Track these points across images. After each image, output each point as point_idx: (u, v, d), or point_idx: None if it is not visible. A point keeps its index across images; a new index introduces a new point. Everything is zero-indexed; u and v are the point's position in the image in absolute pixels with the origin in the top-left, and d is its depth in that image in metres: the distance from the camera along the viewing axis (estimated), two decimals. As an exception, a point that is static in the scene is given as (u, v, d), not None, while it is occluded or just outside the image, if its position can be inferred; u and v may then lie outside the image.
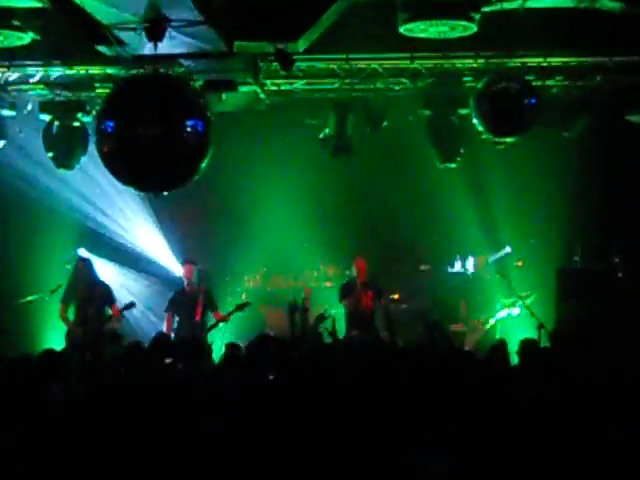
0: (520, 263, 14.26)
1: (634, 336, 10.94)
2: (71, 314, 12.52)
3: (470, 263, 13.91)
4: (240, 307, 12.54)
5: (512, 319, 12.93)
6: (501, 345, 8.68)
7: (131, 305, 12.34)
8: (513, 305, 12.79)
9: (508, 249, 14.33)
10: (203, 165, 8.62)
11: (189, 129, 8.26)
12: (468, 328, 12.91)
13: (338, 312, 13.79)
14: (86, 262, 12.86)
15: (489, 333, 12.77)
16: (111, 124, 8.24)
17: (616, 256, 12.96)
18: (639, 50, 11.10)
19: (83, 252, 14.35)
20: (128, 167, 8.35)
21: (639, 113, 11.61)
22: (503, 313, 12.90)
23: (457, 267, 14.30)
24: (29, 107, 12.75)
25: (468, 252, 13.91)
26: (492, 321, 12.89)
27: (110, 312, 12.43)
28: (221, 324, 12.40)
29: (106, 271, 14.22)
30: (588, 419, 5.89)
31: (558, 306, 12.21)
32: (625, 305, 11.80)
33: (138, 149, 8.09)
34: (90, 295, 12.48)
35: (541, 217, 13.70)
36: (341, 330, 11.94)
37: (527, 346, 8.51)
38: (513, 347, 8.50)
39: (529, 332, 10.50)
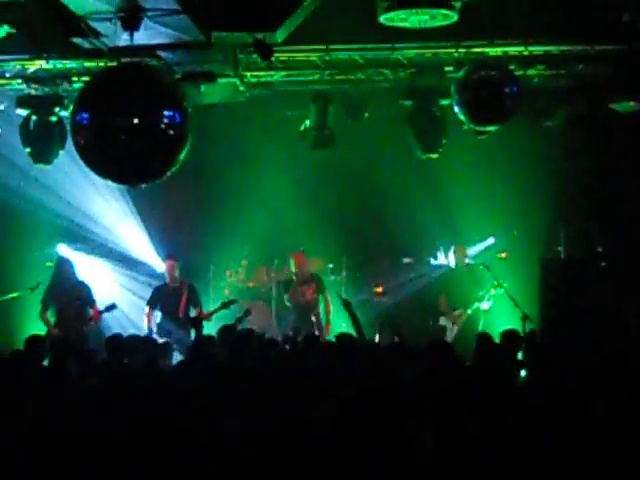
0: (504, 255, 14.19)
1: (615, 324, 10.93)
2: (51, 315, 12.43)
3: (452, 255, 13.82)
4: (226, 305, 12.44)
5: (495, 313, 12.85)
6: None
7: (112, 307, 12.23)
8: (482, 300, 12.74)
9: (491, 240, 14.29)
10: (181, 157, 8.51)
11: (166, 120, 8.14)
12: (449, 321, 12.77)
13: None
14: (67, 262, 12.82)
15: (466, 326, 12.65)
16: (86, 116, 8.12)
17: (599, 245, 12.93)
18: (621, 38, 11.01)
19: (63, 249, 14.26)
20: (104, 159, 8.23)
21: (622, 101, 11.51)
22: (474, 306, 12.83)
23: (440, 259, 14.22)
24: (5, 104, 12.62)
25: (450, 244, 13.81)
26: (469, 311, 12.81)
27: (91, 313, 12.37)
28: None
29: (87, 267, 14.11)
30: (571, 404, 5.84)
31: (542, 297, 12.13)
32: (607, 294, 11.76)
33: (114, 141, 7.97)
34: (70, 296, 12.42)
35: (524, 208, 13.63)
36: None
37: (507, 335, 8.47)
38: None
39: (509, 324, 10.42)
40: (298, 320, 13.01)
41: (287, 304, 13.29)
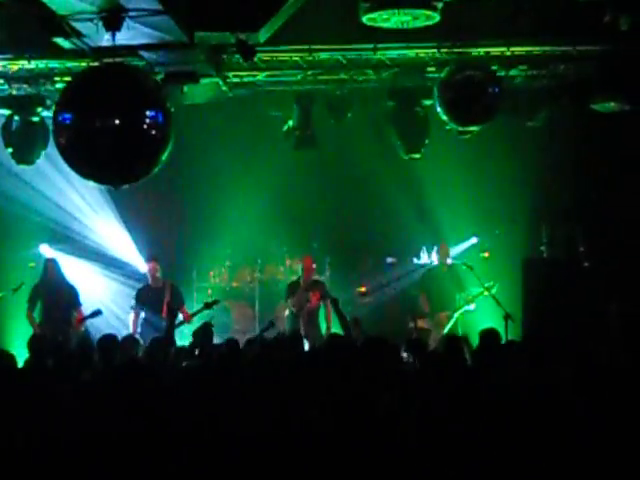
0: (487, 254, 14.24)
1: (598, 324, 10.96)
2: (37, 315, 12.42)
3: (435, 254, 13.80)
4: (208, 305, 12.42)
5: (477, 312, 12.84)
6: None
7: (97, 313, 12.16)
8: (471, 301, 12.67)
9: (474, 240, 14.32)
10: (163, 157, 8.51)
11: (148, 120, 8.14)
12: (433, 323, 12.70)
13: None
14: (54, 263, 12.78)
15: (452, 328, 12.61)
16: (68, 116, 8.11)
17: (581, 245, 12.99)
18: (602, 39, 11.07)
19: (46, 249, 14.22)
20: (86, 160, 8.22)
21: (603, 102, 11.57)
22: (462, 309, 12.76)
23: (424, 259, 14.25)
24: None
25: (434, 243, 13.83)
26: (456, 315, 12.74)
27: (75, 316, 12.37)
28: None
29: (70, 268, 14.07)
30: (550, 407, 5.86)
31: (524, 296, 12.17)
32: (590, 294, 11.81)
33: (96, 141, 7.96)
34: (57, 297, 12.41)
35: (506, 207, 13.70)
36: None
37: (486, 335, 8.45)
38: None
39: (491, 323, 10.41)
40: (303, 326, 12.51)
41: (291, 309, 12.80)
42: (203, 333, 9.74)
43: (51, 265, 12.71)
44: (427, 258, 14.23)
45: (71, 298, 12.56)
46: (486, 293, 12.30)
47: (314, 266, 13.21)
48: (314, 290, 12.83)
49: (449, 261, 13.26)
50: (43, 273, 12.70)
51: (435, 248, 13.55)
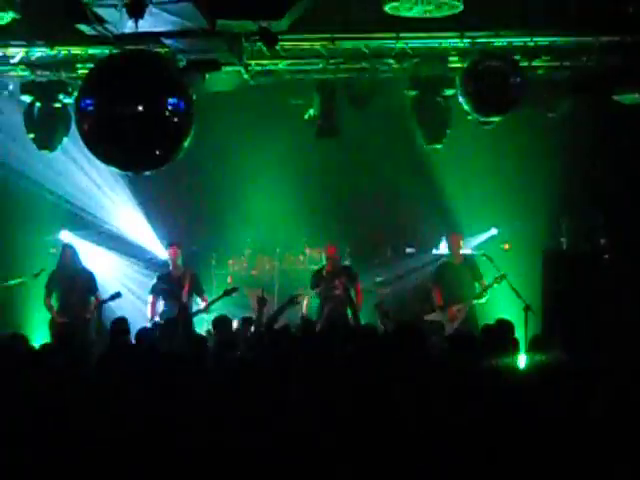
0: (507, 246, 14.18)
1: (617, 316, 10.93)
2: (55, 301, 12.49)
3: (445, 246, 13.67)
4: (228, 292, 12.47)
5: (496, 304, 12.76)
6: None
7: (116, 295, 12.21)
8: (484, 293, 12.53)
9: (494, 231, 14.27)
10: (185, 145, 8.53)
11: (170, 108, 8.15)
12: (445, 318, 12.53)
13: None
14: (71, 249, 12.84)
15: (466, 321, 12.49)
16: (91, 102, 8.13)
17: (603, 238, 12.91)
18: (626, 30, 11.01)
19: (66, 235, 14.28)
20: (108, 146, 8.25)
21: (626, 93, 11.51)
22: (474, 301, 12.63)
23: (443, 249, 14.17)
24: (10, 88, 12.62)
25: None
26: (467, 307, 12.60)
27: (93, 301, 12.44)
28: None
29: (90, 254, 14.13)
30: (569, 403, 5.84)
31: (544, 288, 12.12)
32: (610, 286, 11.75)
33: (118, 128, 7.99)
34: (73, 283, 12.47)
35: (527, 199, 13.63)
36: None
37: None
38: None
39: (510, 315, 10.33)
40: (332, 314, 12.38)
41: (317, 299, 12.78)
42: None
43: (68, 251, 12.79)
44: (447, 248, 14.14)
45: (88, 284, 12.64)
46: (496, 284, 12.27)
47: (338, 254, 13.08)
48: (340, 278, 12.60)
49: (462, 252, 13.14)
50: (60, 259, 12.79)
51: (444, 239, 13.49)
